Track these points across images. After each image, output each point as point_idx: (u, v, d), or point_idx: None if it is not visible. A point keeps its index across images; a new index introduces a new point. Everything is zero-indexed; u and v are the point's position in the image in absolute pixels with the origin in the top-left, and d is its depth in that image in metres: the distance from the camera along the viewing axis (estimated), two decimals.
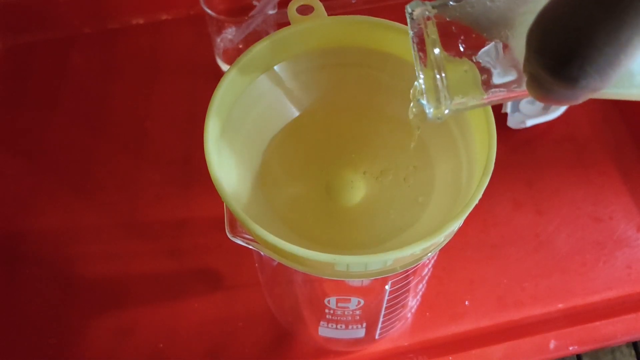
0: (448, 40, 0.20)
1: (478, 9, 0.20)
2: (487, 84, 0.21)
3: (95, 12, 0.57)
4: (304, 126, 0.30)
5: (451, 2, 0.20)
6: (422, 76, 0.21)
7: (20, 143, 0.51)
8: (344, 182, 0.29)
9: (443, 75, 0.20)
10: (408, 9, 0.21)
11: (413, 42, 0.21)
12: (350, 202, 0.29)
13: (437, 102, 0.21)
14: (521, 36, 0.17)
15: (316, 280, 0.33)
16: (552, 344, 0.39)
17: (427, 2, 0.21)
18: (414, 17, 0.21)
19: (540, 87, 0.16)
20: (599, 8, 0.14)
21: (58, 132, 0.51)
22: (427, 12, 0.20)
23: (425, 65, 0.21)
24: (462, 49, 0.20)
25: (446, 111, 0.21)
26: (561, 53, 0.15)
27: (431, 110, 0.21)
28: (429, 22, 0.20)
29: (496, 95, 0.21)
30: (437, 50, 0.20)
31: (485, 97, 0.21)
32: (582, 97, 0.16)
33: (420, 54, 0.21)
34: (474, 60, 0.20)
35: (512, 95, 0.21)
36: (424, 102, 0.22)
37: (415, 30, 0.21)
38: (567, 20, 0.15)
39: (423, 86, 0.21)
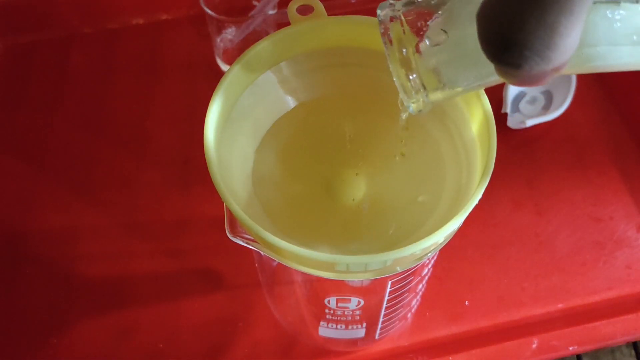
0: (418, 34, 0.21)
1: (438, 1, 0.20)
2: None
3: (95, 12, 0.57)
4: (305, 126, 0.30)
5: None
6: (395, 74, 0.21)
7: (20, 143, 0.51)
8: (344, 182, 0.29)
9: (413, 72, 0.21)
10: (378, 10, 0.21)
11: (384, 42, 0.21)
12: (350, 202, 0.29)
13: (414, 96, 0.22)
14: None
15: (316, 280, 0.33)
16: (552, 344, 0.39)
17: (395, 2, 0.21)
18: (381, 19, 0.21)
19: (502, 74, 0.18)
20: (521, 1, 0.15)
21: (58, 132, 0.51)
22: (391, 13, 0.21)
23: (395, 63, 0.21)
24: (432, 42, 0.21)
25: (425, 104, 0.22)
26: (500, 42, 0.16)
27: (410, 105, 0.22)
28: (393, 23, 0.21)
29: (471, 83, 0.21)
30: (404, 49, 0.21)
31: (460, 86, 0.21)
32: (542, 78, 0.17)
33: (389, 53, 0.21)
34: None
35: (485, 81, 0.21)
36: (403, 98, 0.22)
37: (382, 31, 0.21)
38: (500, 10, 0.16)
39: (397, 84, 0.21)
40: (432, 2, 0.21)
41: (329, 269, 0.24)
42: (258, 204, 0.28)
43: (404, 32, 0.21)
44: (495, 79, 0.20)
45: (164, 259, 0.45)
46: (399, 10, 0.21)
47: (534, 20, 0.15)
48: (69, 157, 0.50)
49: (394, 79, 0.22)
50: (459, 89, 0.21)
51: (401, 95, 0.22)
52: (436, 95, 0.22)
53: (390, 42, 0.21)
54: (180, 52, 0.56)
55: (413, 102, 0.22)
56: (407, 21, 0.21)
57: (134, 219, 0.47)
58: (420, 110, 0.22)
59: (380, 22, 0.21)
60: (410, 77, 0.21)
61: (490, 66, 0.17)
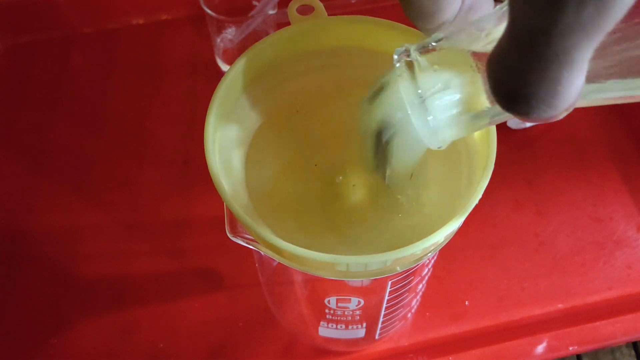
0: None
1: (458, 44, 0.21)
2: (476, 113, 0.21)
3: (95, 12, 0.57)
4: (304, 126, 0.30)
5: (433, 43, 0.21)
6: (412, 117, 0.22)
7: (20, 143, 0.51)
8: (343, 181, 0.29)
9: (431, 114, 0.21)
10: (394, 56, 0.22)
11: (401, 87, 0.22)
12: (350, 201, 0.29)
13: (432, 137, 0.22)
14: None
15: (316, 280, 0.33)
16: (552, 344, 0.39)
17: (411, 46, 0.21)
18: (397, 64, 0.22)
19: (514, 115, 0.19)
20: (523, 55, 0.16)
21: (58, 132, 0.52)
22: (405, 57, 0.21)
23: (413, 107, 0.21)
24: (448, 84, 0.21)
25: (445, 143, 0.22)
26: (508, 93, 0.17)
27: (431, 143, 0.22)
28: (408, 65, 0.21)
29: (484, 121, 0.21)
30: (419, 91, 0.21)
31: (477, 123, 0.22)
32: (554, 119, 0.18)
33: (406, 97, 0.22)
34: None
35: (502, 118, 0.21)
36: (422, 138, 0.22)
37: (398, 75, 0.21)
38: (504, 66, 0.17)
39: (417, 127, 0.22)
40: (447, 46, 0.21)
41: (329, 269, 0.24)
42: (257, 203, 0.28)
43: (419, 71, 0.21)
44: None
45: (164, 259, 0.45)
46: (414, 55, 0.21)
47: (537, 76, 0.16)
48: (69, 157, 0.50)
49: (412, 121, 0.22)
50: (479, 125, 0.22)
51: (420, 135, 0.22)
52: (455, 134, 0.22)
53: (406, 86, 0.21)
54: (180, 52, 0.56)
55: (432, 142, 0.22)
56: (422, 64, 0.21)
57: (134, 219, 0.47)
58: (439, 147, 0.23)
59: (397, 68, 0.21)
60: (429, 119, 0.21)
61: None
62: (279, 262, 0.25)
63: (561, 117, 0.18)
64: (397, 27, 0.29)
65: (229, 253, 0.44)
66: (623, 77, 0.18)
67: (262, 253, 0.26)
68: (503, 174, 0.47)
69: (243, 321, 0.42)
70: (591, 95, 0.18)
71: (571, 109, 0.18)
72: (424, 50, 0.21)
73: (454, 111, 0.21)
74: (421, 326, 0.42)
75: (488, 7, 0.22)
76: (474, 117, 0.21)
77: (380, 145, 0.24)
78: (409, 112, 0.22)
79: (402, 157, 0.25)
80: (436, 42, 0.21)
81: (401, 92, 0.22)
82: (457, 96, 0.21)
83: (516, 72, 0.17)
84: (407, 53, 0.21)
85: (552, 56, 0.15)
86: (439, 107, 0.21)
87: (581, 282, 0.44)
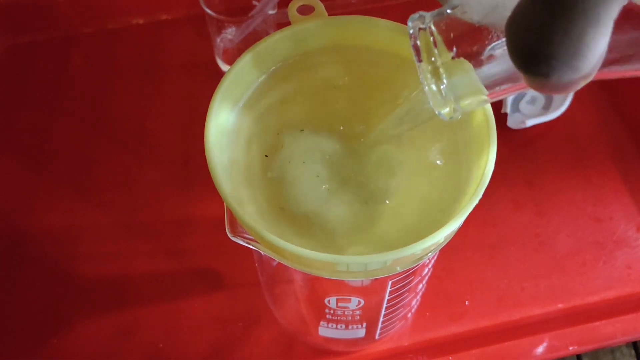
0: (448, 44, 0.21)
1: (472, 11, 0.21)
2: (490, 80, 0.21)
3: (95, 12, 0.57)
4: (304, 126, 0.30)
5: (448, 10, 0.21)
6: (425, 84, 0.22)
7: (20, 143, 0.51)
8: (344, 181, 0.29)
9: (444, 81, 0.21)
10: (408, 22, 0.22)
11: (414, 53, 0.22)
12: (350, 201, 0.29)
13: (444, 105, 0.22)
14: None
15: (316, 280, 0.33)
16: (552, 344, 0.39)
17: (425, 14, 0.22)
18: (410, 30, 0.22)
19: (529, 81, 0.18)
20: (548, 12, 0.16)
21: (58, 132, 0.52)
22: (420, 25, 0.21)
23: (426, 74, 0.21)
24: (462, 51, 0.21)
25: (456, 112, 0.22)
26: (528, 53, 0.17)
27: (441, 113, 0.22)
28: (422, 33, 0.21)
29: (500, 90, 0.21)
30: (433, 59, 0.21)
31: (489, 93, 0.22)
32: (570, 86, 0.17)
33: (419, 63, 0.22)
34: (479, 58, 0.21)
35: (514, 88, 0.21)
36: (434, 106, 0.22)
37: (412, 43, 0.22)
38: (527, 22, 0.16)
39: (427, 93, 0.22)
40: (461, 14, 0.21)
41: (329, 269, 0.24)
42: (258, 204, 0.28)
43: (435, 43, 0.21)
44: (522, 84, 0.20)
45: (164, 259, 0.45)
46: (429, 22, 0.21)
47: (562, 32, 0.16)
48: (69, 157, 0.50)
49: (425, 88, 0.22)
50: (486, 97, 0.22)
51: (432, 103, 0.22)
52: (467, 103, 0.22)
53: (419, 52, 0.21)
54: (180, 52, 0.56)
55: (444, 110, 0.22)
56: (437, 32, 0.21)
57: (134, 219, 0.47)
58: (451, 117, 0.23)
59: (411, 34, 0.22)
60: (441, 87, 0.21)
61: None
62: (279, 262, 0.25)
63: (579, 86, 0.17)
64: (397, 27, 0.29)
65: (229, 253, 0.44)
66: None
67: (262, 253, 0.26)
68: (503, 174, 0.47)
69: (243, 321, 0.42)
70: (611, 66, 0.18)
71: (590, 77, 0.17)
72: (439, 17, 0.21)
73: (466, 80, 0.21)
74: (421, 326, 0.42)
75: None
76: (487, 84, 0.21)
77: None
78: (422, 80, 0.22)
79: (409, 119, 0.25)
80: (451, 9, 0.21)
81: (416, 62, 0.21)
82: (468, 65, 0.21)
83: (538, 30, 0.16)
84: (422, 19, 0.21)
85: (578, 11, 0.15)
86: (452, 77, 0.21)
87: (581, 282, 0.44)
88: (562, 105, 0.50)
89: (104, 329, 0.42)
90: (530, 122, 0.49)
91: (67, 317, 0.42)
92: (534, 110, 0.51)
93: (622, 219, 0.46)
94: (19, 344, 0.42)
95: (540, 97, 0.52)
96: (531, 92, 0.52)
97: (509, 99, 0.51)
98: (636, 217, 0.47)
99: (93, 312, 0.43)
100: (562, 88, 0.17)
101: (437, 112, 0.23)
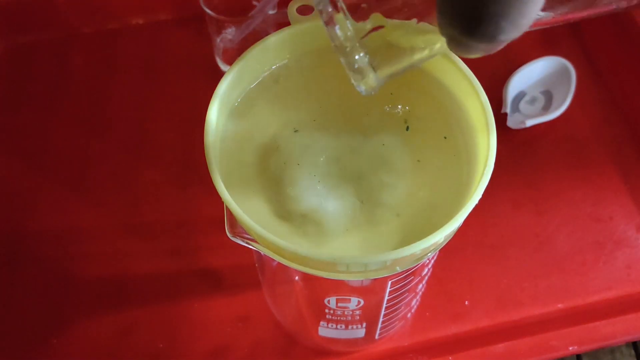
0: (359, 11, 0.20)
1: None
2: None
3: (95, 12, 0.57)
4: (303, 126, 0.30)
5: None
6: (340, 56, 0.21)
7: (20, 143, 0.51)
8: (344, 181, 0.29)
9: (361, 52, 0.20)
10: None
11: (325, 25, 0.21)
12: (350, 201, 0.29)
13: (361, 77, 0.21)
14: None
15: (316, 280, 0.33)
16: (552, 344, 0.39)
17: None
18: (320, 7, 0.21)
19: (460, 46, 0.18)
20: None
21: (58, 132, 0.52)
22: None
23: (338, 46, 0.21)
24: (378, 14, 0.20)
25: (375, 83, 0.21)
26: (475, 16, 0.16)
27: (361, 87, 0.22)
28: (332, 6, 0.20)
29: (419, 54, 0.21)
30: (340, 29, 0.20)
31: (409, 57, 0.21)
32: (501, 47, 0.17)
33: (331, 35, 0.21)
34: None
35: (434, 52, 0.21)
36: (352, 79, 0.22)
37: (323, 17, 0.21)
38: None
39: (345, 65, 0.21)
40: None
41: (328, 269, 0.24)
42: (257, 203, 0.28)
43: (345, 14, 0.20)
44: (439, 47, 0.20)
45: (164, 259, 0.45)
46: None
47: None
48: (69, 157, 0.50)
49: (341, 62, 0.21)
50: (406, 63, 0.21)
51: (350, 77, 0.22)
52: (384, 72, 0.21)
53: (332, 24, 0.21)
54: (180, 52, 0.56)
55: (363, 83, 0.22)
56: (345, 4, 0.20)
57: (134, 219, 0.47)
58: (372, 91, 0.22)
59: (320, 10, 0.21)
60: (357, 57, 0.21)
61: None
62: (278, 262, 0.25)
63: (504, 45, 0.17)
64: (396, 25, 0.29)
65: (229, 253, 0.44)
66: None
67: (262, 253, 0.26)
68: (503, 174, 0.47)
69: (243, 321, 0.42)
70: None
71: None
72: None
73: (384, 49, 0.20)
74: (421, 326, 0.42)
75: None
76: (406, 53, 0.20)
77: None
78: (336, 51, 0.21)
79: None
80: None
81: (329, 32, 0.21)
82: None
83: None
84: None
85: None
86: (369, 47, 0.20)
87: (581, 282, 0.44)
88: (562, 105, 0.50)
89: (103, 329, 0.42)
90: (530, 122, 0.49)
91: (67, 317, 0.42)
92: (533, 110, 0.51)
93: (622, 219, 0.46)
94: (19, 344, 0.42)
95: (540, 97, 0.52)
96: (531, 92, 0.52)
97: (509, 99, 0.51)
98: (636, 217, 0.47)
99: (93, 312, 0.43)
100: (493, 49, 0.17)
101: (356, 86, 0.22)
